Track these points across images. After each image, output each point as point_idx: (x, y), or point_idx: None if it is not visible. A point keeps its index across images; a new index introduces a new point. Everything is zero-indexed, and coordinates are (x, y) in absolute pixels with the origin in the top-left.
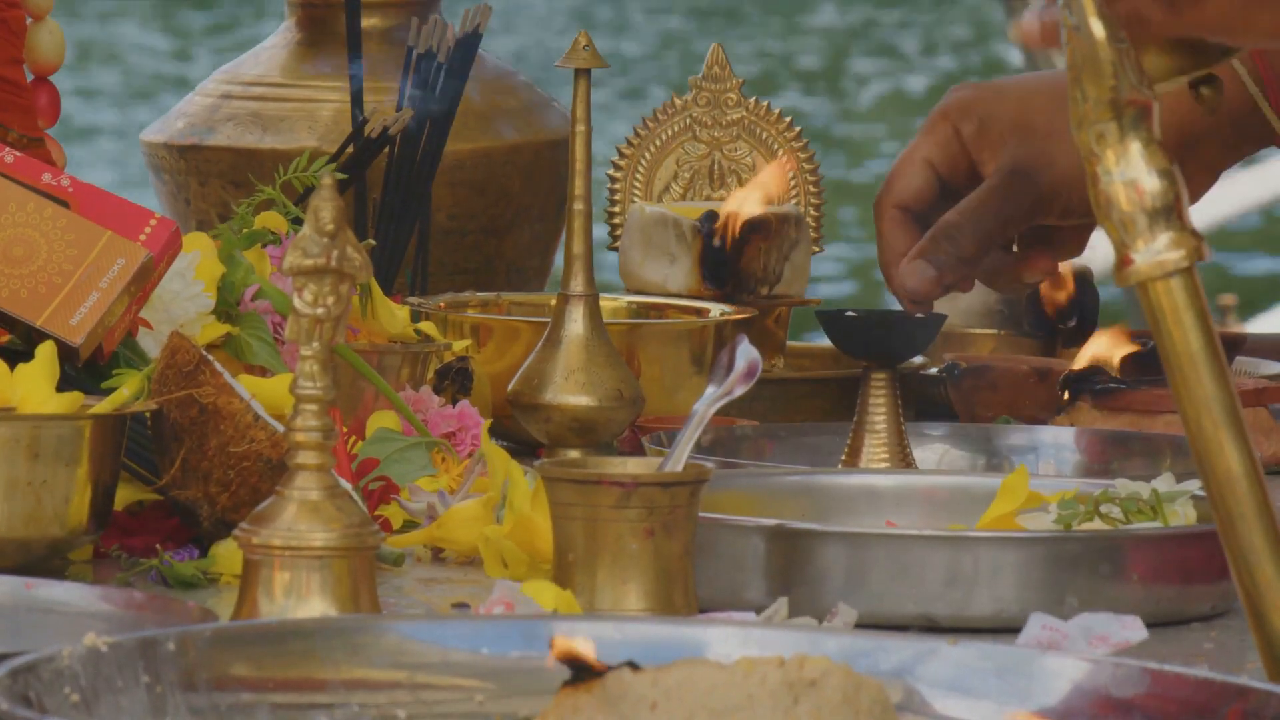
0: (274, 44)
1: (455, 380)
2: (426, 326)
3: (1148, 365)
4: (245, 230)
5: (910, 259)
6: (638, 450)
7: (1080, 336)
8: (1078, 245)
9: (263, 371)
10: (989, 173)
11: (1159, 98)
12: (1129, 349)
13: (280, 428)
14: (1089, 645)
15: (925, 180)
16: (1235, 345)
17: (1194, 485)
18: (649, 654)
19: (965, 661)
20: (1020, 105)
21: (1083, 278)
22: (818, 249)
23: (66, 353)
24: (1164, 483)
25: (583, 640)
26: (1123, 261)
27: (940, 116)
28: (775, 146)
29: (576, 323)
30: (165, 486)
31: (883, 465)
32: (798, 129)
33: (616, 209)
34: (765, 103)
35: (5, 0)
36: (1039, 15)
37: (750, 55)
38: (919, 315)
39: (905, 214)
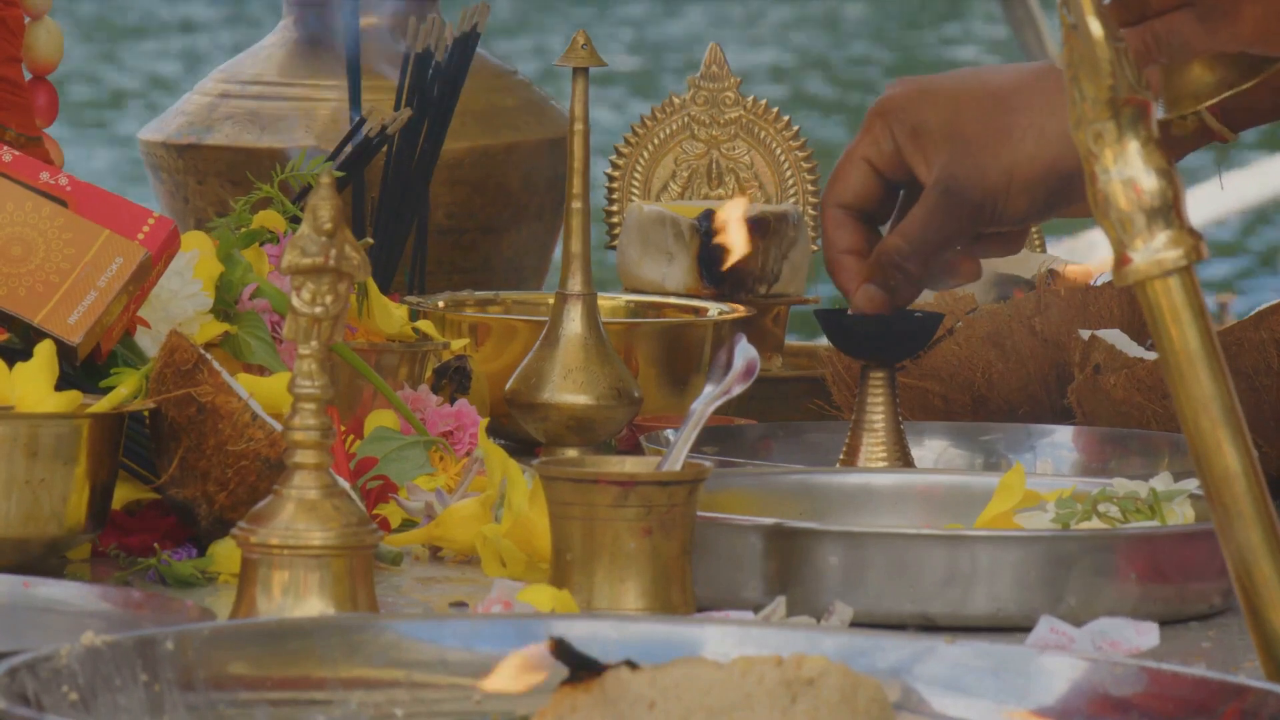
0: (272, 43)
1: (453, 379)
2: (424, 325)
3: None
4: (243, 229)
5: (861, 282)
6: (636, 449)
7: None
8: (1012, 247)
9: (261, 370)
10: (923, 176)
11: (1158, 98)
12: None
13: (278, 427)
14: (1097, 650)
15: (865, 178)
16: None
17: (1192, 484)
18: (647, 653)
19: (963, 660)
20: (950, 111)
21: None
22: (816, 248)
23: (65, 351)
24: (1162, 481)
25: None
26: (1121, 261)
27: (876, 115)
28: (773, 145)
29: (574, 321)
30: (163, 485)
31: (881, 464)
32: (795, 128)
33: (615, 208)
34: (763, 101)
35: (3, 0)
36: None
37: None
38: (917, 314)
39: (847, 212)
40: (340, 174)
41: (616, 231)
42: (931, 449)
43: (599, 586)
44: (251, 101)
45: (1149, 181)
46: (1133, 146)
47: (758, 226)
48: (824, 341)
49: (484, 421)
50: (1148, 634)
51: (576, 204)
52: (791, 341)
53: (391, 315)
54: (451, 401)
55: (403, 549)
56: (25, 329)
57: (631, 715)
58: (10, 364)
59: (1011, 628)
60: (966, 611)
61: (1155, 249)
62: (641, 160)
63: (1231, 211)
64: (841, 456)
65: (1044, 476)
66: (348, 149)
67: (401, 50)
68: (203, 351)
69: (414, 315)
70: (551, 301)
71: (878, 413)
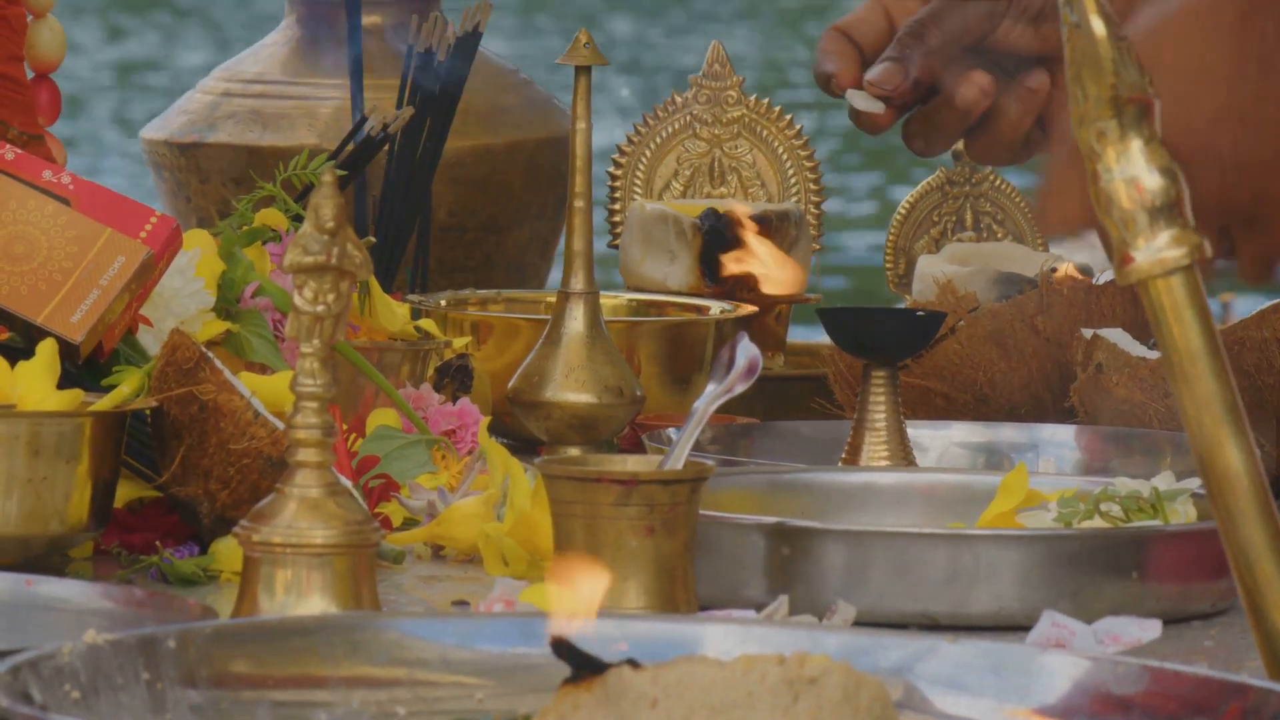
0: (274, 41)
1: (455, 378)
2: (426, 324)
3: None
4: (245, 227)
5: (857, 64)
6: (638, 448)
7: None
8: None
9: (263, 369)
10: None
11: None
12: None
13: (280, 425)
14: (1099, 644)
15: (877, 17)
16: None
17: (1194, 483)
18: (649, 651)
19: (965, 659)
20: None
21: None
22: (818, 247)
23: (67, 350)
24: (1164, 480)
25: (576, 629)
26: (1123, 260)
27: None
28: (775, 144)
29: (577, 320)
30: (165, 484)
31: (883, 463)
32: (798, 127)
33: (617, 206)
34: (765, 100)
35: None
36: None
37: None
38: (919, 313)
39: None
40: (343, 173)
41: (619, 230)
42: (934, 447)
43: None
44: (254, 100)
45: (1152, 180)
46: (1135, 145)
47: (760, 225)
48: (826, 340)
49: (486, 420)
50: (1150, 629)
51: (579, 202)
52: (793, 340)
53: (394, 313)
54: (453, 400)
55: (405, 547)
56: (27, 327)
57: (633, 714)
58: (12, 362)
59: (1014, 626)
60: (969, 610)
61: (1158, 248)
62: (644, 159)
63: None
64: (843, 455)
65: (1046, 475)
66: (350, 147)
67: (404, 49)
68: (205, 350)
69: (416, 314)
70: (554, 300)
71: (880, 411)
